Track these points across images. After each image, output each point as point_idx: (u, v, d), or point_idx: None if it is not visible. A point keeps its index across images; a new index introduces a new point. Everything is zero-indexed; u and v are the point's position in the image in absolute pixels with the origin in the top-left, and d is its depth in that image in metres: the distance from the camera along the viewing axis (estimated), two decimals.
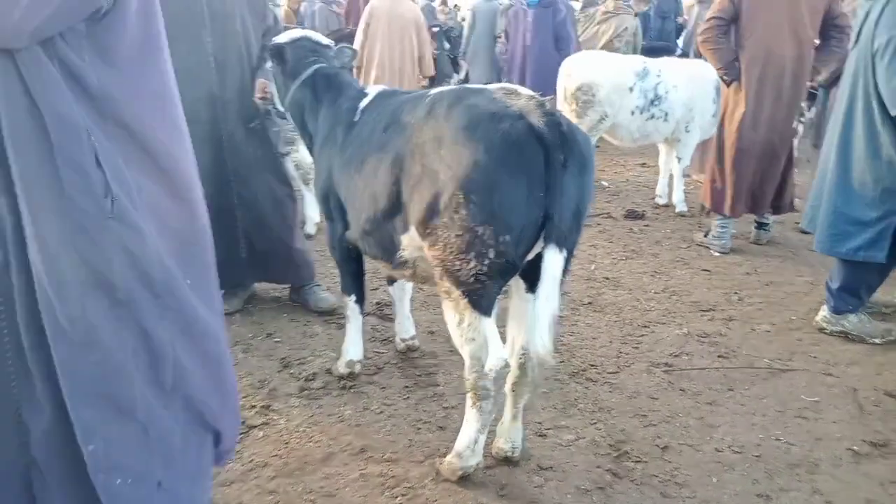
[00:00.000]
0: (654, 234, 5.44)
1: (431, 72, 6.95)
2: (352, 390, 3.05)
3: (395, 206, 2.43)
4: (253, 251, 3.67)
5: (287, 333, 3.61)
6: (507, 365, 2.29)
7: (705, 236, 5.09)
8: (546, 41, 7.35)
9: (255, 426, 2.77)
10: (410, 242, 2.46)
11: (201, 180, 3.38)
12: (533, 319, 2.08)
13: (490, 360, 2.26)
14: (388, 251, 2.60)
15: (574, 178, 2.09)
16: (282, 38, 3.25)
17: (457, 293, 2.23)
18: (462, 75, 11.96)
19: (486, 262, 2.12)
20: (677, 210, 5.94)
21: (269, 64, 3.36)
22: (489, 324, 2.26)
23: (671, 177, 6.13)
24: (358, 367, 3.15)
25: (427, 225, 2.25)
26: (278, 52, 3.16)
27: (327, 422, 2.82)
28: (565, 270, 2.14)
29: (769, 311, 3.98)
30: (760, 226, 5.15)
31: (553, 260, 2.06)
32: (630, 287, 4.31)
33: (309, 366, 3.26)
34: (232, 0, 3.44)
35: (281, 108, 3.36)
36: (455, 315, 2.29)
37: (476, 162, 2.08)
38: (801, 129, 7.36)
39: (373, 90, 2.95)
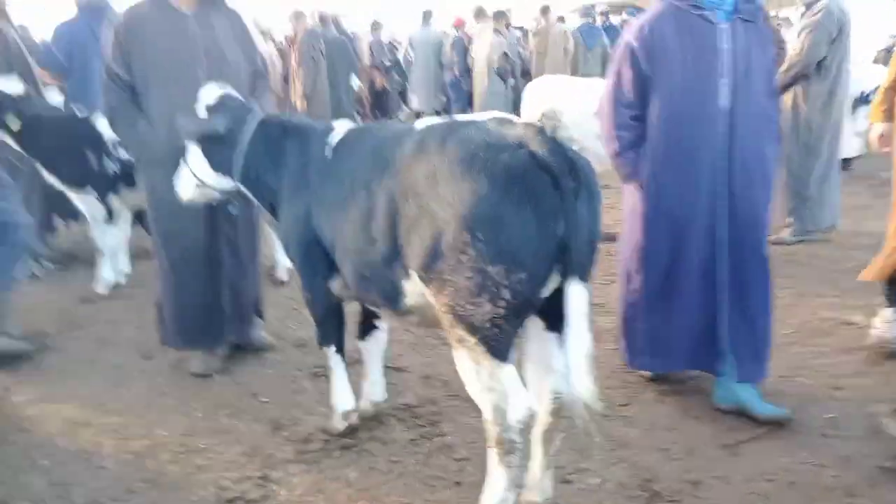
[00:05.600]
0: None
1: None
2: (353, 449, 2.82)
3: (394, 251, 2.26)
4: (237, 302, 3.49)
5: (273, 392, 3.35)
6: (534, 414, 2.12)
7: None
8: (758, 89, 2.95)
9: (255, 500, 2.52)
10: (414, 288, 2.30)
11: (194, 225, 3.23)
12: (568, 364, 1.95)
13: (516, 409, 2.09)
14: (391, 299, 2.42)
15: (585, 204, 1.98)
16: (206, 98, 2.85)
17: (472, 340, 2.07)
18: (411, 108, 11.98)
19: (502, 303, 1.98)
20: None
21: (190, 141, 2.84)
22: (510, 370, 2.11)
23: None
24: (354, 417, 2.92)
25: (430, 270, 2.09)
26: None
27: (333, 488, 2.58)
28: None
29: None
30: None
31: (578, 295, 1.95)
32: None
33: (303, 426, 3.01)
34: (226, 39, 3.27)
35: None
36: (471, 364, 2.12)
37: (478, 196, 1.95)
38: None
39: (340, 125, 2.75)
